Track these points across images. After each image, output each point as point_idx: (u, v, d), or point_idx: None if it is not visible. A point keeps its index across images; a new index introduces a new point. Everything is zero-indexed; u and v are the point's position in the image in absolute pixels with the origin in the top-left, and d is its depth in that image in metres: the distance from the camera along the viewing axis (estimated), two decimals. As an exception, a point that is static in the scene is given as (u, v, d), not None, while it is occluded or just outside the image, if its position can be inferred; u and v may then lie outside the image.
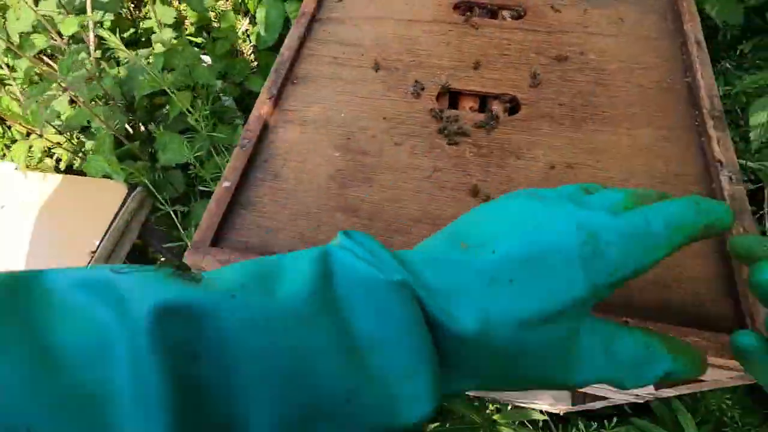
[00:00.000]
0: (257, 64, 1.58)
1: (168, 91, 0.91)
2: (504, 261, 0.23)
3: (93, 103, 0.88)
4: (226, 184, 0.51)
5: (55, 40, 0.81)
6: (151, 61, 0.91)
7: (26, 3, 0.75)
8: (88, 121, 0.93)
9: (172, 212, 0.97)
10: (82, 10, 0.92)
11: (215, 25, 1.71)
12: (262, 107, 0.58)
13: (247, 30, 1.71)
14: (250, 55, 1.71)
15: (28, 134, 1.13)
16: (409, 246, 0.47)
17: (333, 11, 0.70)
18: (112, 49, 0.86)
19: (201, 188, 1.03)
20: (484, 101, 0.60)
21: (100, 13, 1.00)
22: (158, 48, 1.02)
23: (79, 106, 0.85)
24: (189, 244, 1.04)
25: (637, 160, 0.52)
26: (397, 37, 0.66)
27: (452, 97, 0.61)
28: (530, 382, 0.24)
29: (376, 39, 0.66)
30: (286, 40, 0.65)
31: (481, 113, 0.58)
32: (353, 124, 0.57)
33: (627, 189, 0.30)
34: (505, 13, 0.69)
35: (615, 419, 0.87)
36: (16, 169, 0.93)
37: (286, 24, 1.41)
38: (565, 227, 0.24)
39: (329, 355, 0.20)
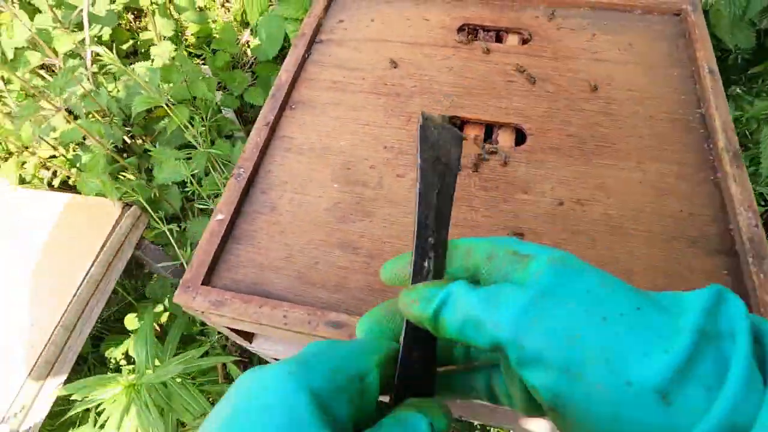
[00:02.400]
0: (257, 76, 1.56)
1: (166, 106, 0.89)
2: None
3: (91, 116, 0.86)
4: (220, 216, 0.49)
5: (50, 57, 0.79)
6: (147, 76, 0.90)
7: (20, 20, 0.73)
8: (84, 138, 0.90)
9: (167, 231, 0.94)
10: (79, 25, 0.90)
11: (215, 36, 1.69)
12: (258, 135, 0.56)
13: (248, 41, 1.69)
14: (250, 67, 1.69)
15: (26, 148, 1.11)
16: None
17: (333, 33, 0.68)
18: (108, 64, 0.84)
19: (198, 205, 1.01)
20: (489, 130, 0.58)
21: (98, 27, 0.98)
22: (157, 62, 1.00)
23: (74, 123, 0.83)
24: (185, 263, 1.02)
25: (649, 197, 0.49)
26: (399, 60, 0.64)
27: (457, 126, 0.59)
28: None
29: (377, 63, 0.64)
30: (285, 63, 0.63)
31: (486, 142, 0.56)
32: (353, 153, 0.55)
33: None
34: (511, 37, 0.67)
35: None
36: (8, 185, 0.91)
37: (288, 36, 1.40)
38: None
39: None
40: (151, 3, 1.13)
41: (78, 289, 0.77)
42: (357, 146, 0.55)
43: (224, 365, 0.99)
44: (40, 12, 0.81)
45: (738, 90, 0.78)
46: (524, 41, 0.66)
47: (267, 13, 1.32)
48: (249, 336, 0.60)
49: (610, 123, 0.55)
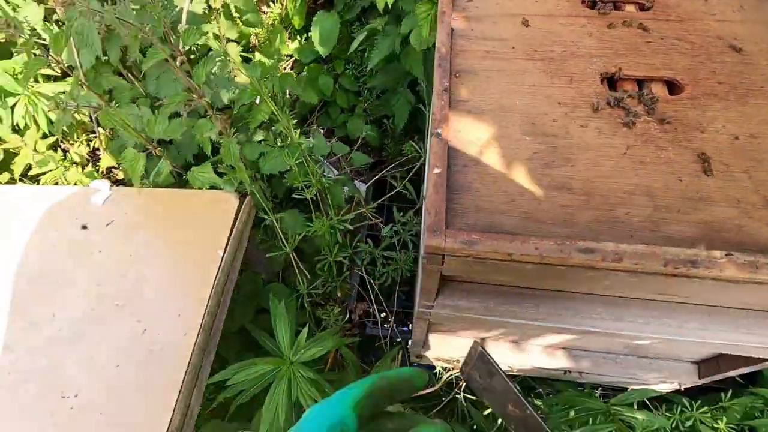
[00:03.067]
0: (305, 79, 1.59)
1: (266, 98, 0.91)
2: None
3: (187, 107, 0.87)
4: (437, 170, 0.52)
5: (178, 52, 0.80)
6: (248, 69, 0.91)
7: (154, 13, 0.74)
8: (184, 132, 0.91)
9: (274, 221, 0.95)
10: (174, 23, 0.91)
11: (253, 41, 1.71)
12: (440, 99, 0.59)
13: (287, 44, 1.72)
14: (291, 69, 1.71)
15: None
16: (632, 218, 0.49)
17: (467, 10, 0.73)
18: (215, 54, 0.85)
19: (296, 196, 1.03)
20: (640, 85, 0.64)
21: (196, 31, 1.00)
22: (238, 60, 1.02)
23: (183, 119, 0.84)
24: (292, 255, 1.02)
25: (810, 127, 0.56)
26: (539, 30, 0.69)
27: (611, 83, 0.64)
28: None
29: (520, 34, 0.69)
30: (438, 37, 0.67)
31: (642, 93, 0.61)
32: (531, 111, 0.59)
33: None
34: (630, 6, 0.73)
35: (729, 392, 0.90)
36: (112, 186, 0.90)
37: (340, 35, 1.43)
38: None
39: None
40: (220, 5, 1.14)
41: (216, 276, 0.77)
42: (533, 105, 0.60)
43: (337, 351, 1.00)
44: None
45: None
46: (642, 8, 0.72)
47: (321, 12, 1.36)
48: (438, 291, 0.62)
49: (752, 71, 0.62)
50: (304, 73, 1.52)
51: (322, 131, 1.69)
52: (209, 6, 1.08)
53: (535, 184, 0.52)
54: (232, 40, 1.26)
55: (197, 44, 1.31)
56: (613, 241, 0.47)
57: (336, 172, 1.59)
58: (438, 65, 0.63)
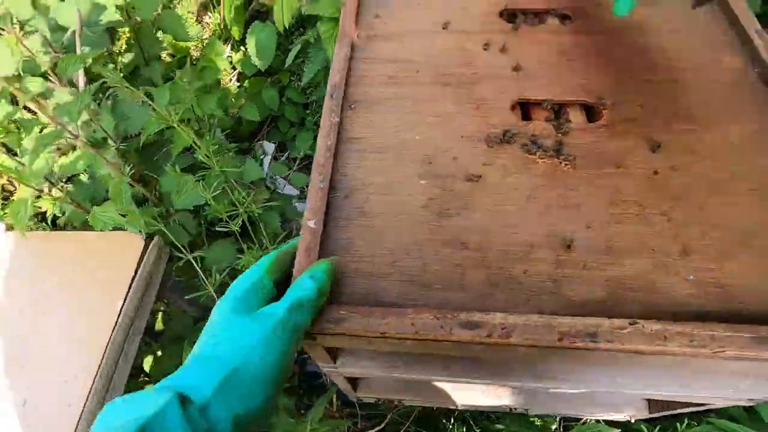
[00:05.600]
0: (246, 93, 1.51)
1: (176, 125, 0.82)
2: None
3: (88, 145, 0.79)
4: (311, 224, 0.45)
5: (53, 82, 0.71)
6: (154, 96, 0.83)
7: (10, 44, 0.65)
8: (86, 168, 0.82)
9: (192, 260, 0.87)
10: (68, 48, 0.82)
11: (193, 54, 1.62)
12: (328, 137, 0.52)
13: (228, 56, 1.63)
14: (233, 83, 1.63)
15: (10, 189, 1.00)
16: (530, 278, 0.42)
17: (372, 29, 0.65)
18: (112, 87, 0.77)
19: (218, 228, 0.95)
20: (558, 111, 0.57)
21: (86, 49, 0.91)
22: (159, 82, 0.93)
23: (77, 152, 0.75)
24: (214, 294, 0.95)
25: (737, 157, 0.49)
26: (449, 50, 0.62)
27: (522, 108, 0.57)
28: None
29: (427, 55, 0.61)
30: (333, 63, 0.60)
31: (557, 120, 0.55)
32: (430, 147, 0.52)
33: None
34: (552, 17, 0.66)
35: (686, 421, 0.85)
36: (6, 230, 0.82)
37: (279, 48, 1.35)
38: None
39: None
40: (137, 22, 1.05)
41: (112, 332, 0.70)
42: (433, 139, 0.53)
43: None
44: (31, 32, 0.73)
45: None
46: (565, 18, 0.65)
47: (256, 23, 1.28)
48: (334, 354, 0.56)
49: (679, 90, 0.56)
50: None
51: (273, 146, 1.61)
52: (122, 21, 0.99)
53: (426, 240, 0.45)
54: (156, 58, 1.17)
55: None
56: (505, 309, 0.40)
57: (296, 190, 1.51)
58: (329, 96, 0.56)
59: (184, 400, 0.32)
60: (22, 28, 0.73)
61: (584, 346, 0.38)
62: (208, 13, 1.59)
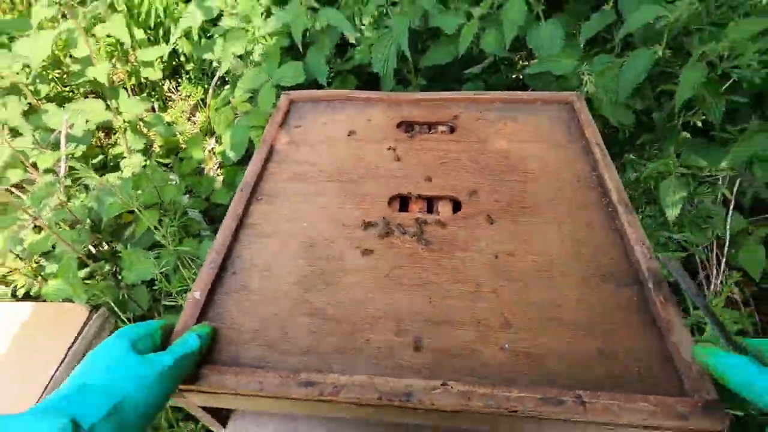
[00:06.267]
0: (222, 179, 1.67)
1: (137, 210, 0.95)
2: None
3: (58, 227, 0.90)
4: (196, 295, 0.54)
5: (31, 173, 0.85)
6: (119, 184, 0.97)
7: (6, 141, 0.81)
8: (53, 246, 0.93)
9: (134, 331, 0.94)
10: (56, 145, 0.98)
11: (182, 146, 1.82)
12: (230, 225, 0.63)
13: (213, 148, 1.83)
14: (216, 170, 1.81)
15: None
16: (370, 345, 0.50)
17: (292, 136, 0.80)
18: (82, 177, 0.91)
19: (166, 303, 1.03)
20: (430, 203, 0.68)
21: (73, 145, 1.07)
22: (127, 172, 1.08)
23: (45, 232, 0.87)
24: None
25: (566, 246, 0.59)
26: (350, 155, 0.75)
27: (402, 201, 0.69)
28: None
29: (331, 157, 0.75)
30: (251, 163, 0.73)
31: (428, 213, 0.65)
32: (314, 233, 0.63)
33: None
34: (441, 128, 0.81)
35: None
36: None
37: (251, 142, 1.54)
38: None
39: None
40: (123, 122, 1.24)
41: (41, 395, 0.75)
42: (318, 226, 0.63)
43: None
44: (21, 134, 0.90)
45: (632, 156, 0.95)
46: (452, 130, 0.80)
47: (232, 123, 1.47)
48: (224, 419, 0.61)
49: (528, 189, 0.67)
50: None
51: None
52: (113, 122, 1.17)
53: (290, 311, 0.54)
54: (139, 150, 1.35)
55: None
56: (344, 371, 0.47)
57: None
58: (240, 190, 0.68)
59: (75, 426, 0.36)
60: (11, 131, 0.89)
61: (403, 404, 0.45)
62: (198, 112, 1.82)
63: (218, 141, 1.83)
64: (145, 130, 1.36)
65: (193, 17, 1.25)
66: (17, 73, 0.90)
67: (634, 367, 0.47)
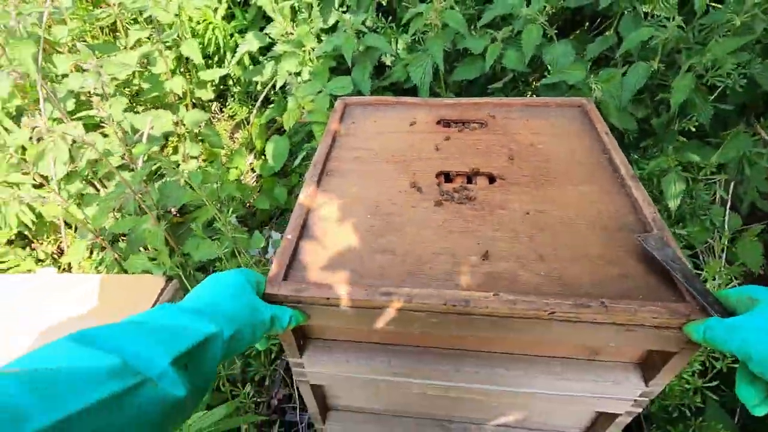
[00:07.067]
0: (260, 188, 1.83)
1: (204, 199, 1.09)
2: None
3: (141, 210, 1.05)
4: (289, 236, 0.67)
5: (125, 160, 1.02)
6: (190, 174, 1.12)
7: (117, 137, 0.97)
8: (129, 229, 1.07)
9: (199, 303, 1.06)
10: (137, 143, 1.16)
11: (223, 159, 2.00)
12: (308, 188, 0.77)
13: (251, 163, 2.01)
14: (254, 182, 1.97)
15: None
16: (434, 271, 0.62)
17: (348, 130, 0.95)
18: (163, 167, 1.06)
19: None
20: (469, 179, 0.82)
21: (148, 145, 1.24)
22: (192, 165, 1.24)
23: (128, 215, 1.01)
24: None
25: (585, 205, 0.72)
26: (400, 143, 0.90)
27: (446, 177, 0.83)
28: None
29: (384, 145, 0.90)
30: (318, 148, 0.88)
31: (469, 184, 0.79)
32: (378, 197, 0.76)
33: None
34: (474, 124, 0.96)
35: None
36: (57, 271, 1.03)
37: (290, 155, 1.71)
38: None
39: None
40: (185, 131, 1.42)
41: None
42: (380, 193, 0.77)
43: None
44: (107, 136, 1.07)
45: (636, 156, 1.09)
46: (483, 126, 0.95)
47: (275, 136, 1.65)
48: (301, 348, 0.72)
49: (550, 167, 0.81)
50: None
51: (279, 235, 1.87)
52: (174, 131, 1.35)
53: (365, 249, 0.67)
54: (194, 157, 1.51)
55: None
56: (414, 287, 0.60)
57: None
58: (313, 165, 0.83)
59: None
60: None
61: (462, 310, 0.57)
62: (239, 131, 2.00)
63: (257, 156, 2.01)
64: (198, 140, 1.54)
65: (250, 43, 1.46)
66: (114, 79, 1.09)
67: (644, 286, 0.59)
